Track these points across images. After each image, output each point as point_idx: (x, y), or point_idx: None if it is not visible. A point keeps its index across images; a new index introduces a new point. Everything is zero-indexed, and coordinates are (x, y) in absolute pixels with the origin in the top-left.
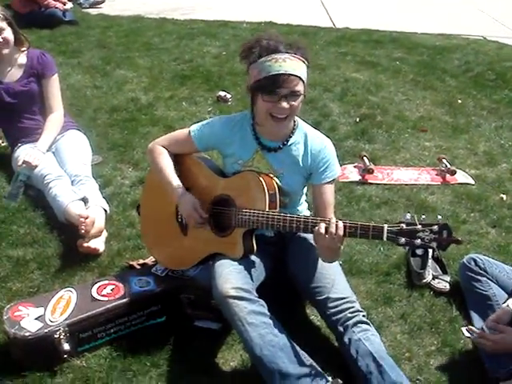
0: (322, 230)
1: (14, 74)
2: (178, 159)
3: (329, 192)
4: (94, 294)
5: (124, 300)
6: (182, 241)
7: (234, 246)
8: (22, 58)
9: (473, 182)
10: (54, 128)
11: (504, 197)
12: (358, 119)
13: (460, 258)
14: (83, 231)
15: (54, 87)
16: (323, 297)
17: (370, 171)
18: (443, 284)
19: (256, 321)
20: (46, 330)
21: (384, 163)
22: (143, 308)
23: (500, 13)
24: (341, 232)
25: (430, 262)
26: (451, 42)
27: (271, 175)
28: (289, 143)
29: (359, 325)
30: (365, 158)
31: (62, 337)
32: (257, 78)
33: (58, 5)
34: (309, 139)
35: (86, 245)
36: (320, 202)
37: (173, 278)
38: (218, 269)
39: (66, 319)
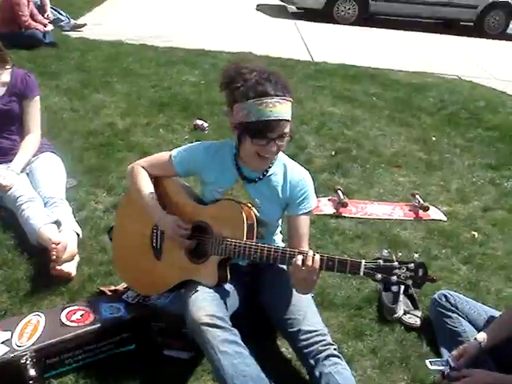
0: (299, 262)
1: None
2: (156, 183)
3: (304, 223)
4: (63, 320)
5: (93, 326)
6: (155, 266)
7: (208, 273)
8: (5, 77)
9: (445, 218)
10: (29, 149)
11: (475, 234)
12: (333, 153)
13: (431, 293)
14: (54, 257)
15: (35, 108)
16: (295, 329)
17: (344, 205)
18: (414, 319)
19: (229, 350)
20: (12, 355)
21: (358, 197)
22: (113, 335)
23: (474, 53)
24: (317, 265)
25: (402, 297)
26: (427, 81)
27: (250, 205)
28: (268, 174)
29: (330, 358)
30: (339, 191)
31: (28, 362)
32: (245, 120)
33: (39, 26)
34: (288, 170)
35: (58, 268)
36: (295, 233)
37: (144, 305)
38: (191, 296)
39: (33, 344)
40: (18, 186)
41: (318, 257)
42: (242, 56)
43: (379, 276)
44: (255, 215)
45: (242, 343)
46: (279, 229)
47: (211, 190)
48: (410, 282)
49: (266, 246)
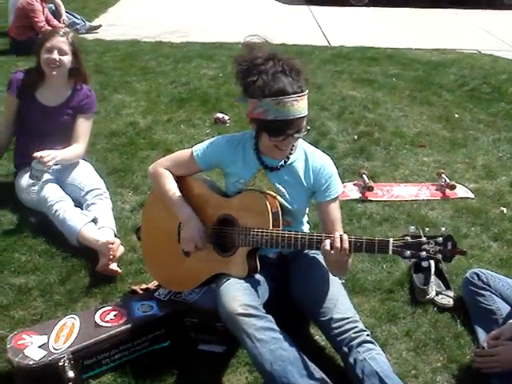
0: (328, 247)
1: (55, 100)
2: (179, 180)
3: (334, 208)
4: (98, 321)
5: (127, 325)
6: (185, 262)
7: (238, 265)
8: (68, 89)
9: (472, 195)
10: (72, 152)
11: (504, 210)
12: (356, 137)
13: (463, 272)
14: (112, 256)
15: (88, 124)
16: (326, 318)
17: (370, 188)
18: (447, 299)
19: (265, 337)
20: (50, 358)
21: (383, 180)
22: (147, 333)
23: (493, 26)
24: (346, 245)
25: (433, 277)
26: (446, 57)
27: (273, 194)
28: (290, 161)
29: (364, 344)
30: (364, 175)
31: (66, 364)
32: (262, 117)
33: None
34: (309, 157)
35: (110, 267)
36: (327, 219)
37: (176, 302)
38: (223, 288)
39: (69, 346)
40: (45, 187)
41: (345, 236)
42: (255, 44)
43: (408, 253)
44: (279, 203)
45: (278, 328)
46: (306, 218)
47: (234, 181)
48: (439, 257)
49: (292, 232)
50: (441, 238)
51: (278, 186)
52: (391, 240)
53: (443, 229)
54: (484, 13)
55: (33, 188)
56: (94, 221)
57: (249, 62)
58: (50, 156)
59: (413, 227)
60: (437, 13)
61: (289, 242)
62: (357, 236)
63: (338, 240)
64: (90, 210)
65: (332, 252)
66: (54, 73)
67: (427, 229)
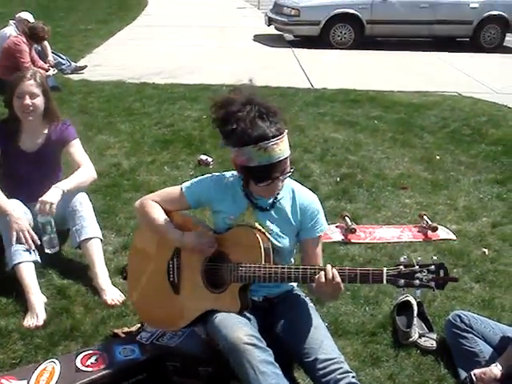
0: (323, 279)
1: (36, 144)
2: (167, 215)
3: (318, 244)
4: (78, 365)
5: (109, 370)
6: (175, 300)
7: (230, 301)
8: (44, 129)
9: (454, 237)
10: (82, 174)
11: (486, 251)
12: (338, 179)
13: (445, 314)
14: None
15: (77, 148)
16: (311, 358)
17: (353, 231)
18: (430, 342)
19: (267, 370)
20: None
21: (366, 222)
22: (128, 377)
23: (473, 69)
24: (339, 279)
25: (416, 320)
26: (427, 99)
27: (263, 230)
28: (278, 199)
29: None
30: (346, 217)
31: None
32: (246, 164)
33: (41, 71)
34: (296, 194)
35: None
36: (311, 254)
37: (158, 345)
38: (221, 320)
39: None
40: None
41: (335, 271)
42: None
43: (402, 282)
44: (269, 239)
45: (277, 364)
46: (292, 260)
47: (223, 217)
48: (432, 284)
49: (285, 266)
50: (433, 266)
51: (267, 224)
52: (385, 270)
53: (434, 257)
54: (464, 56)
55: (50, 242)
56: (35, 262)
57: (224, 111)
58: (47, 203)
59: (405, 256)
60: (418, 55)
61: (282, 275)
62: (351, 267)
63: (331, 273)
64: (74, 219)
65: (327, 284)
66: (31, 118)
67: (419, 258)
